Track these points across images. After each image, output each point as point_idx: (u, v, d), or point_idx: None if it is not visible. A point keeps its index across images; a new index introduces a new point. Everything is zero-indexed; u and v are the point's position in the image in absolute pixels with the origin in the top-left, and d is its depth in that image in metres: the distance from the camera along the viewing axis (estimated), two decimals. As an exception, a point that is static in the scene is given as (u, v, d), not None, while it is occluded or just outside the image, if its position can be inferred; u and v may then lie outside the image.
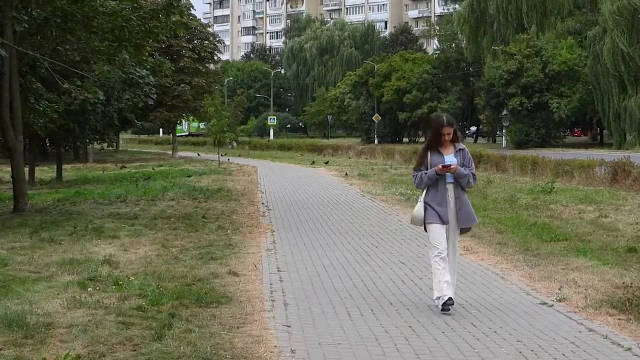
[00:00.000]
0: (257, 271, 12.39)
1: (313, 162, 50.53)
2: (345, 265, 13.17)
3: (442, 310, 9.80)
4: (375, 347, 8.27)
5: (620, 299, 10.00)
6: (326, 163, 48.92)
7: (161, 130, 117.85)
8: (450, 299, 9.82)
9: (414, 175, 10.31)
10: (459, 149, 10.16)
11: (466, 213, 10.18)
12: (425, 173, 10.04)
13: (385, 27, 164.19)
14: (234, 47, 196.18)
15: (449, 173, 9.94)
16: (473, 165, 10.40)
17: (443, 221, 9.98)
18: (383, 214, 21.03)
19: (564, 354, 8.00)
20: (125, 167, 51.91)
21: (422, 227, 10.31)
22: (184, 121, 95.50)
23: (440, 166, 9.88)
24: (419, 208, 10.15)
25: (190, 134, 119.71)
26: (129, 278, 11.37)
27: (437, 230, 9.99)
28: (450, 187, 10.06)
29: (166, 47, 58.28)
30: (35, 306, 9.60)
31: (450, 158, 10.01)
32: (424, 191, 10.19)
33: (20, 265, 12.75)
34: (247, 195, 26.81)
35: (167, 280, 11.29)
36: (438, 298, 9.90)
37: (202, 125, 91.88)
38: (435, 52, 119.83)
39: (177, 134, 78.76)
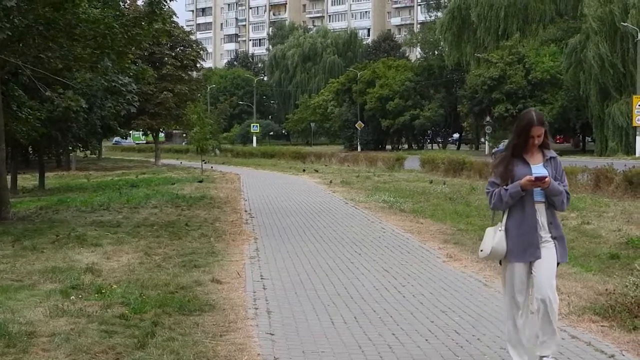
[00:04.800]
0: (240, 279, 12.37)
1: (304, 170, 50.50)
2: (329, 273, 13.16)
3: None
4: (359, 355, 8.27)
5: (603, 305, 10.02)
6: (316, 171, 48.91)
7: (132, 135, 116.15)
8: None
9: (488, 192, 7.69)
10: (550, 157, 7.60)
11: (563, 244, 7.63)
12: (506, 189, 7.45)
13: (368, 35, 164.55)
14: (216, 54, 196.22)
15: (538, 189, 7.43)
16: (566, 179, 7.76)
17: (527, 256, 7.52)
18: (366, 221, 21.01)
19: (547, 361, 8.00)
20: (91, 175, 52.04)
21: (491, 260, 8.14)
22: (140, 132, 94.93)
23: (529, 178, 7.31)
24: (501, 239, 7.57)
25: (148, 142, 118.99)
26: (111, 286, 11.33)
27: (517, 273, 7.60)
28: (540, 207, 7.51)
29: (149, 55, 58.26)
30: (17, 315, 9.55)
31: (538, 169, 7.46)
32: (505, 214, 7.62)
33: (2, 273, 12.69)
34: (230, 202, 26.77)
35: (150, 288, 11.26)
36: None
37: (161, 134, 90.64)
38: (418, 60, 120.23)
39: (136, 142, 78.62)
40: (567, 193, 7.57)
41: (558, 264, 7.57)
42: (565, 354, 8.23)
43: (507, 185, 7.48)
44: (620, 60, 69.28)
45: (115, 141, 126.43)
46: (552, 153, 7.63)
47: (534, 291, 7.53)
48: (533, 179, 7.29)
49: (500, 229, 7.59)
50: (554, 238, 7.52)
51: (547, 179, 7.30)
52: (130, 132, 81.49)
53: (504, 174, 7.54)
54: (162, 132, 79.15)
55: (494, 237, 7.61)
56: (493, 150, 68.27)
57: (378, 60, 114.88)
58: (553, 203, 7.51)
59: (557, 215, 7.63)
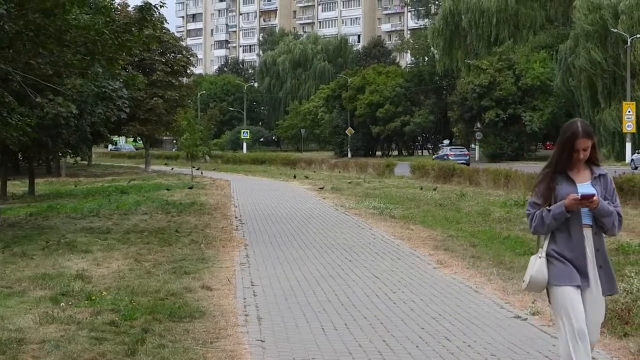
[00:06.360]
0: (230, 285, 12.35)
1: (294, 176, 50.46)
2: (319, 279, 13.14)
3: None
4: (350, 361, 8.26)
5: (593, 312, 10.02)
6: (306, 177, 48.87)
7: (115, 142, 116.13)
8: None
9: (529, 214, 6.73)
10: (599, 175, 6.69)
11: (610, 274, 6.71)
12: (548, 210, 6.55)
13: (359, 41, 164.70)
14: (207, 60, 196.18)
15: (585, 209, 6.54)
16: (618, 200, 6.80)
17: (580, 282, 6.54)
18: (356, 227, 21.01)
19: (537, 368, 8.00)
20: (81, 181, 51.99)
21: (543, 291, 6.86)
22: (123, 137, 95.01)
23: (575, 196, 6.44)
24: (540, 266, 6.62)
25: (137, 149, 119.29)
26: (101, 293, 11.31)
27: (570, 296, 6.50)
28: (587, 232, 6.59)
29: (139, 61, 58.19)
30: (7, 321, 9.53)
31: (586, 187, 6.57)
32: (547, 239, 6.69)
33: (-8, 280, 12.67)
34: (220, 209, 26.74)
35: (140, 295, 11.24)
36: None
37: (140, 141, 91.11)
38: (409, 66, 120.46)
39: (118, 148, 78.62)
40: (619, 215, 6.65)
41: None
42: (556, 360, 8.24)
43: (549, 205, 6.60)
44: (611, 66, 69.43)
45: (115, 147, 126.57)
46: (602, 170, 6.72)
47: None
48: (579, 197, 6.42)
49: (540, 255, 6.66)
50: (599, 267, 6.61)
51: (594, 198, 6.42)
52: (113, 137, 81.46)
53: (546, 192, 6.66)
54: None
55: (533, 265, 6.68)
56: (434, 157, 68.07)
57: (368, 66, 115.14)
58: (602, 226, 6.59)
59: (605, 241, 6.74)
